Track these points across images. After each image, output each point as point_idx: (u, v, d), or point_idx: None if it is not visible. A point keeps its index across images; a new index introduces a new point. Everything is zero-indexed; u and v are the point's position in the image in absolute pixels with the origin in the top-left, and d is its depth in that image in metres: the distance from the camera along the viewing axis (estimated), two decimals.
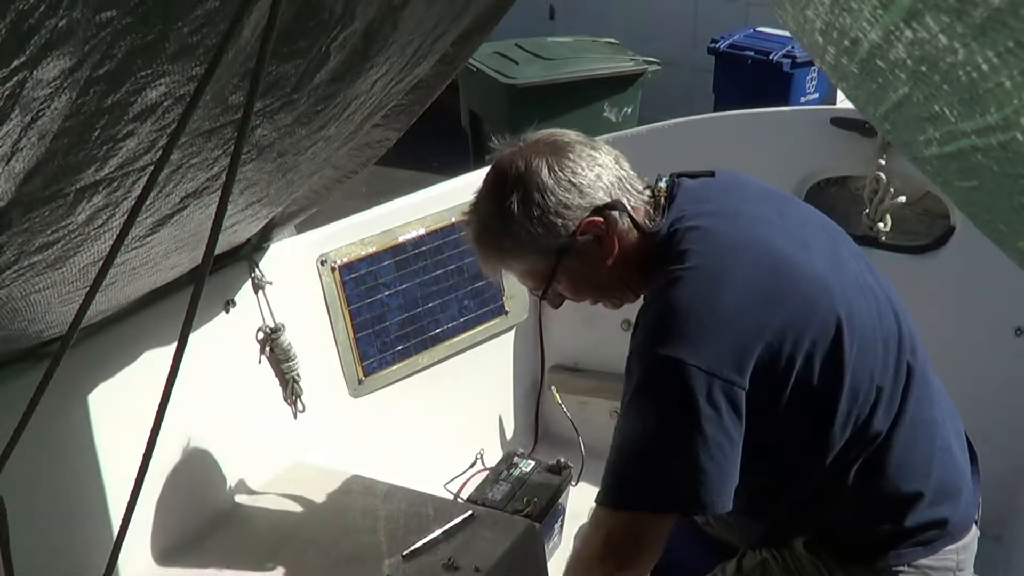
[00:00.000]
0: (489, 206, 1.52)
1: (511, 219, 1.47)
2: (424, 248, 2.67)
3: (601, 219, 1.47)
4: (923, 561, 1.51)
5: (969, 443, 1.65)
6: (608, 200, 1.48)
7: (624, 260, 1.51)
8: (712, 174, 1.61)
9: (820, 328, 1.38)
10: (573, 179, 1.47)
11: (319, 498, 2.16)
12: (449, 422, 2.82)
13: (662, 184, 1.55)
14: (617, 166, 1.52)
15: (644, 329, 1.40)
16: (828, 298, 1.40)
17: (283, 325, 2.28)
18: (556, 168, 1.46)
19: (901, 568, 1.50)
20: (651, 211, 1.52)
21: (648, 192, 1.54)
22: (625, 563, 1.42)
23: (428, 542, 1.93)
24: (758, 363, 1.34)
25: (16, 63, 0.71)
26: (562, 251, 1.48)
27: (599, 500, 1.44)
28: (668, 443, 1.35)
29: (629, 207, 1.49)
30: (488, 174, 1.54)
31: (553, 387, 2.93)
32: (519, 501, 2.39)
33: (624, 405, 1.41)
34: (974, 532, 1.58)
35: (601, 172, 1.49)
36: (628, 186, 1.51)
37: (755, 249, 1.43)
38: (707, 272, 1.39)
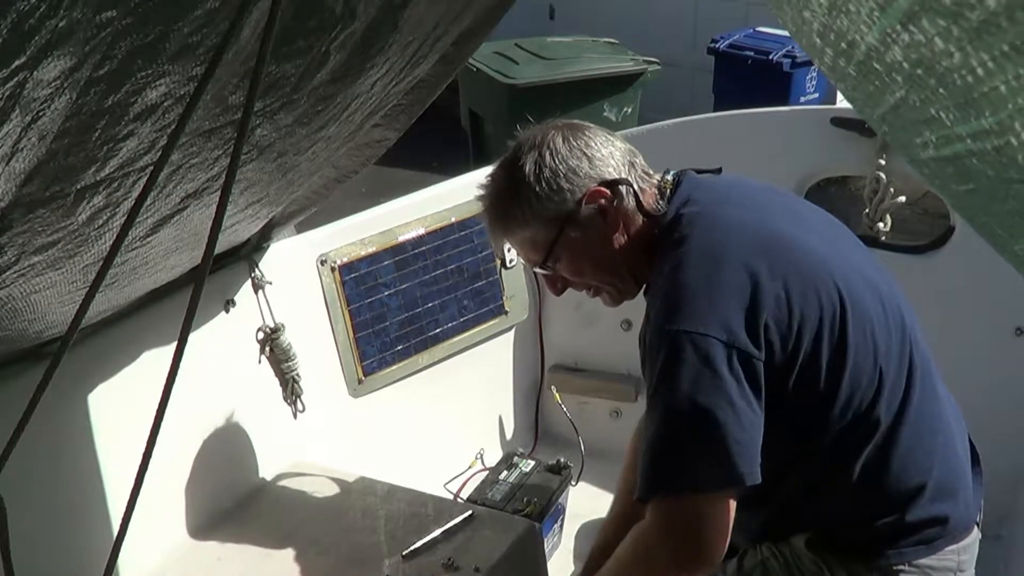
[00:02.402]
0: (502, 173, 1.57)
1: (521, 182, 1.51)
2: (424, 248, 2.67)
3: (608, 191, 1.50)
4: (924, 561, 1.51)
5: (972, 446, 1.65)
6: (617, 177, 1.51)
7: (628, 242, 1.53)
8: (719, 171, 1.63)
9: (826, 303, 1.40)
10: (586, 150, 1.52)
11: (319, 498, 2.16)
12: (449, 422, 2.82)
13: (668, 177, 1.58)
14: (630, 153, 1.57)
15: (655, 314, 1.42)
16: (830, 276, 1.42)
17: (283, 325, 2.28)
18: (571, 138, 1.53)
19: (902, 567, 1.50)
20: (658, 198, 1.54)
21: (657, 179, 1.57)
22: (691, 553, 1.38)
23: (428, 542, 1.93)
24: (768, 336, 1.36)
25: (16, 63, 0.72)
26: (566, 220, 1.51)
27: (643, 496, 1.41)
28: (701, 418, 1.34)
29: (636, 187, 1.52)
30: (508, 149, 1.59)
31: (553, 387, 2.93)
32: (519, 501, 2.39)
33: (651, 395, 1.41)
34: (975, 534, 1.58)
35: (614, 151, 1.54)
36: (639, 171, 1.55)
37: (757, 231, 1.45)
38: (710, 250, 1.42)
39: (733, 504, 1.38)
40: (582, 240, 1.53)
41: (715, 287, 1.37)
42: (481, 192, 1.61)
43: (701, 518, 1.37)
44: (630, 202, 1.52)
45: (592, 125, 1.58)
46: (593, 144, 1.53)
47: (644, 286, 1.61)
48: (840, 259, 1.48)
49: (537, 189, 1.50)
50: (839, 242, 1.55)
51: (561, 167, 1.50)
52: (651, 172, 1.58)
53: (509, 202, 1.54)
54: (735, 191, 1.56)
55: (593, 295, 1.65)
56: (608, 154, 1.53)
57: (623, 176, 1.52)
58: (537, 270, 1.63)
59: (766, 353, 1.36)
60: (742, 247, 1.41)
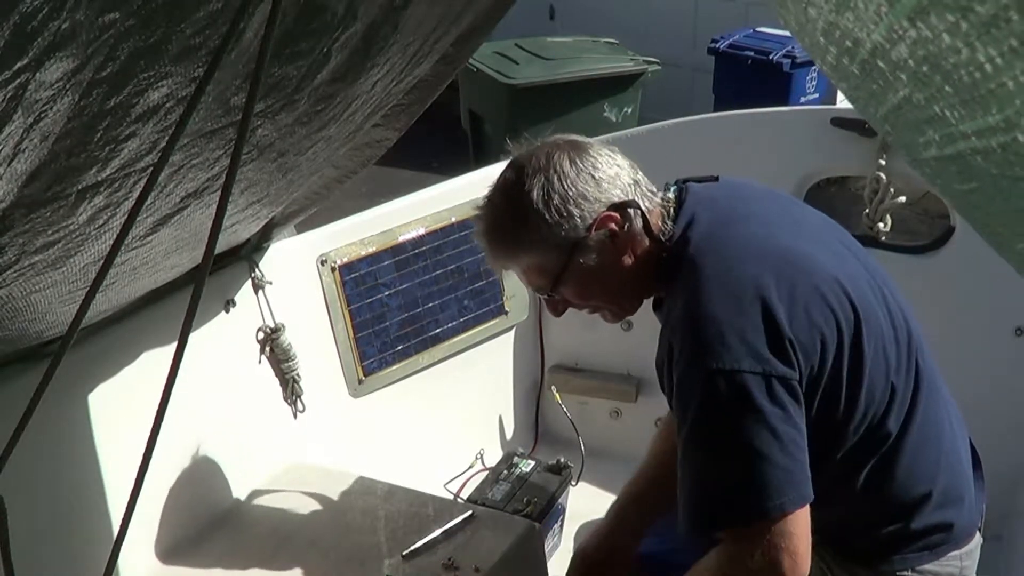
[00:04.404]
0: (506, 197, 1.50)
1: (529, 208, 1.46)
2: (424, 248, 2.67)
3: (617, 215, 1.47)
4: (927, 566, 1.51)
5: (974, 449, 1.65)
6: (625, 199, 1.48)
7: (634, 265, 1.50)
8: (716, 179, 1.61)
9: (843, 321, 1.39)
10: (593, 172, 1.47)
11: (319, 498, 2.16)
12: (449, 422, 2.82)
13: (670, 194, 1.55)
14: (632, 170, 1.53)
15: (683, 352, 1.38)
16: (844, 292, 1.41)
17: (283, 325, 2.28)
18: (577, 160, 1.47)
19: (905, 572, 1.50)
20: (664, 217, 1.51)
21: (660, 197, 1.54)
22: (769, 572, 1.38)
23: (428, 542, 1.93)
24: (796, 355, 1.35)
25: (19, 65, 0.71)
26: (576, 247, 1.47)
27: (706, 527, 1.41)
28: (747, 452, 1.33)
29: (644, 208, 1.49)
30: (506, 169, 1.53)
31: (553, 387, 2.93)
32: (519, 501, 2.39)
33: (688, 433, 1.39)
34: (977, 539, 1.58)
35: (619, 172, 1.50)
36: (644, 189, 1.51)
37: (769, 250, 1.43)
38: (726, 275, 1.39)
39: (801, 521, 1.35)
40: (591, 266, 1.49)
41: (738, 316, 1.34)
42: (479, 214, 1.55)
43: (778, 538, 1.34)
44: (638, 224, 1.49)
45: (593, 141, 1.53)
46: (599, 165, 1.48)
47: (654, 302, 1.60)
48: (848, 271, 1.46)
49: (547, 216, 1.45)
50: (843, 251, 1.54)
51: (570, 191, 1.45)
52: (655, 190, 1.54)
53: (516, 228, 1.49)
54: (738, 204, 1.53)
55: (592, 312, 1.63)
56: (615, 175, 1.49)
57: (631, 198, 1.48)
58: (541, 295, 1.60)
59: (798, 371, 1.35)
60: (757, 269, 1.39)
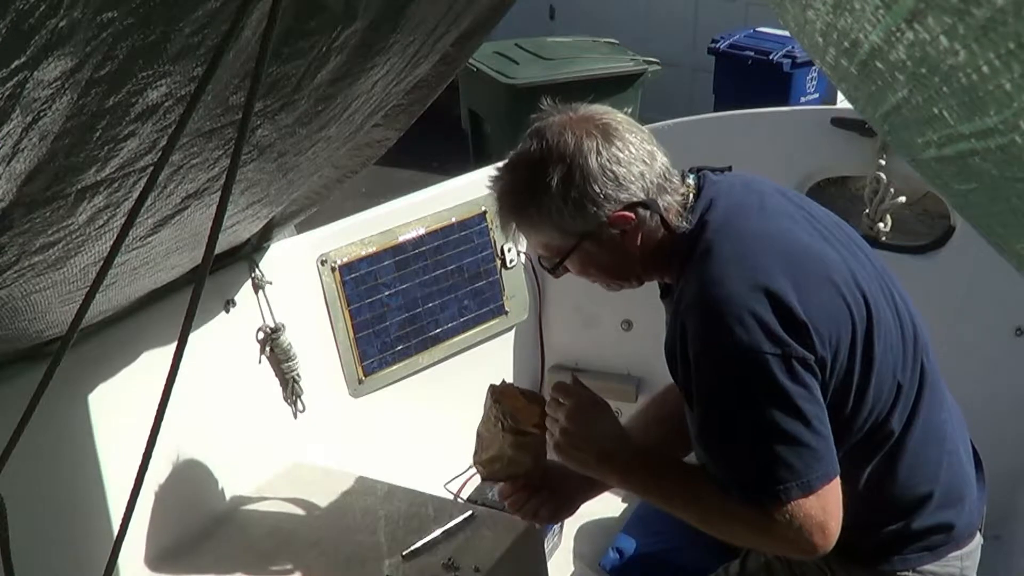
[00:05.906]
0: (527, 173, 1.48)
1: (546, 193, 1.44)
2: (424, 248, 2.67)
3: (632, 216, 1.46)
4: (928, 567, 1.51)
5: (974, 449, 1.65)
6: (644, 199, 1.46)
7: (644, 254, 1.50)
8: (729, 169, 1.60)
9: (857, 318, 1.39)
10: (616, 169, 1.44)
11: (319, 498, 2.16)
12: (449, 422, 2.81)
13: (690, 181, 1.54)
14: (662, 163, 1.50)
15: (700, 335, 1.38)
16: (858, 289, 1.41)
17: (283, 325, 2.28)
18: (604, 154, 1.44)
19: (906, 573, 1.50)
20: (681, 212, 1.50)
21: (682, 190, 1.52)
22: (791, 549, 1.41)
23: (428, 542, 1.93)
24: (813, 341, 1.34)
25: (17, 63, 0.71)
26: (584, 236, 1.48)
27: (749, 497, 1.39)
28: (773, 433, 1.33)
29: (662, 207, 1.47)
30: (533, 139, 1.48)
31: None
32: None
33: (710, 416, 1.39)
34: (978, 539, 1.58)
35: (644, 169, 1.47)
36: (666, 184, 1.49)
37: (785, 243, 1.43)
38: (745, 265, 1.38)
39: (830, 496, 1.36)
40: (597, 252, 1.50)
41: (755, 301, 1.34)
42: (497, 176, 1.53)
43: (807, 515, 1.35)
44: (653, 222, 1.48)
45: (624, 127, 1.49)
46: (624, 159, 1.45)
47: (661, 291, 1.61)
48: (860, 268, 1.46)
49: (561, 206, 1.44)
50: (855, 249, 1.54)
51: (590, 189, 1.43)
52: (677, 183, 1.52)
53: (527, 204, 1.48)
54: (753, 196, 1.53)
55: (593, 281, 1.64)
56: (640, 174, 1.46)
57: (651, 198, 1.46)
58: (543, 265, 1.61)
59: (815, 355, 1.34)
60: (774, 259, 1.39)
